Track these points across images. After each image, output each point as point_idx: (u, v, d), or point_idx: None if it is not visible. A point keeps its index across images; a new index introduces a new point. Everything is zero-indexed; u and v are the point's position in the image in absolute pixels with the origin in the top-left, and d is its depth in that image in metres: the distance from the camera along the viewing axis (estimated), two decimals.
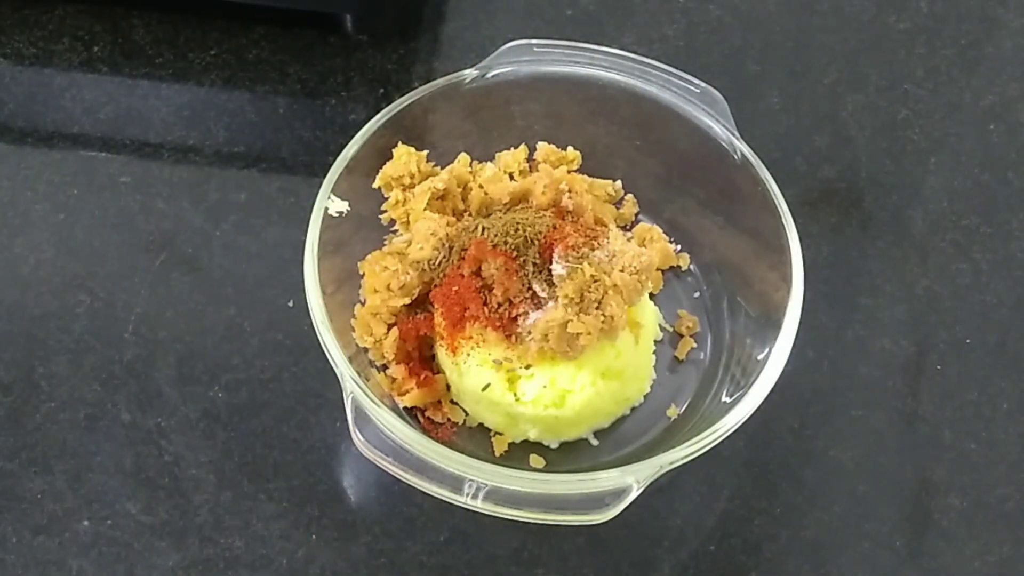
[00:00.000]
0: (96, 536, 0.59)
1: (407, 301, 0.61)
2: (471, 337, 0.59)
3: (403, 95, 0.63)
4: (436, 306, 0.60)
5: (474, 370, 0.59)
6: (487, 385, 0.59)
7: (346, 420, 0.53)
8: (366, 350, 0.62)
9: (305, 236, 0.59)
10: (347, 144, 0.62)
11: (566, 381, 0.59)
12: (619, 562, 0.60)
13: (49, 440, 0.62)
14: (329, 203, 0.59)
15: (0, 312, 0.65)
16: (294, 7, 0.74)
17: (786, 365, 0.57)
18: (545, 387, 0.59)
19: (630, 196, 0.68)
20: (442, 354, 0.61)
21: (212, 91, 0.74)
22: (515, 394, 0.59)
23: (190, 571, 0.59)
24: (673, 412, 0.63)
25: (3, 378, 0.63)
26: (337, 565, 0.59)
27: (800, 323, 0.58)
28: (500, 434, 0.61)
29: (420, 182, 0.63)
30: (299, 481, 0.61)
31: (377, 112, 0.62)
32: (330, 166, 0.61)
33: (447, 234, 0.61)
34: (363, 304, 0.62)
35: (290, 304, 0.65)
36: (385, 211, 0.64)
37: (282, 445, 0.62)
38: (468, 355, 0.59)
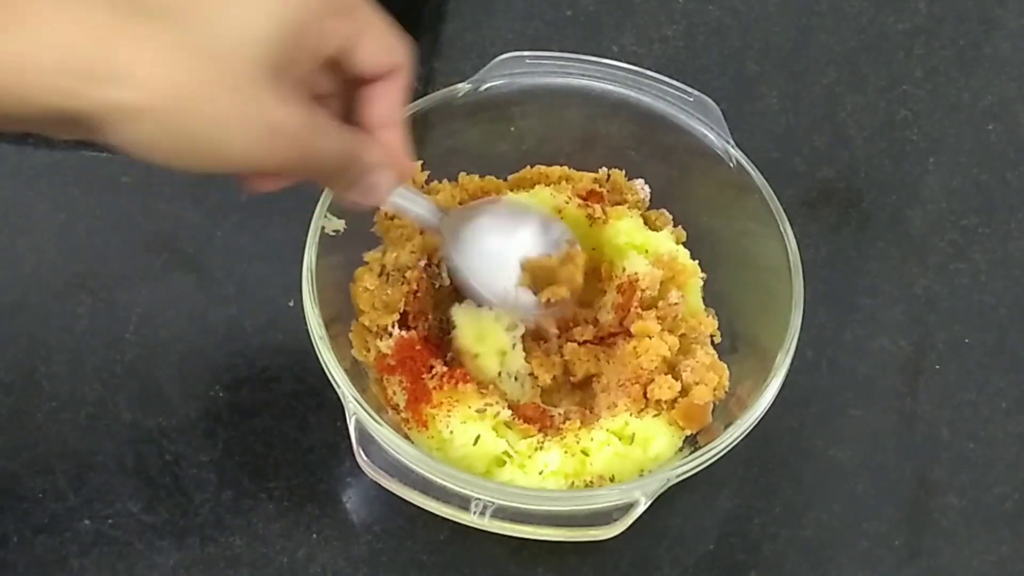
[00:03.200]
0: (97, 535, 0.59)
1: (395, 318, 0.61)
2: (440, 404, 0.57)
3: None
4: (398, 377, 0.59)
5: (458, 430, 0.57)
6: (477, 438, 0.56)
7: (347, 428, 0.53)
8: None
9: (306, 236, 0.59)
10: None
11: (584, 441, 0.57)
12: (619, 561, 0.60)
13: (50, 439, 0.62)
14: (325, 222, 0.58)
15: (2, 312, 0.66)
16: None
17: None
18: (567, 453, 0.57)
19: (640, 184, 0.67)
20: (420, 441, 0.58)
21: None
22: (521, 463, 0.57)
23: (191, 570, 0.59)
24: None
25: (4, 378, 0.63)
26: (337, 564, 0.59)
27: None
28: None
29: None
30: (299, 480, 0.61)
31: None
32: None
33: (423, 241, 0.61)
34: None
35: (290, 304, 0.65)
36: (376, 223, 0.63)
37: (282, 444, 0.62)
38: (448, 416, 0.57)
